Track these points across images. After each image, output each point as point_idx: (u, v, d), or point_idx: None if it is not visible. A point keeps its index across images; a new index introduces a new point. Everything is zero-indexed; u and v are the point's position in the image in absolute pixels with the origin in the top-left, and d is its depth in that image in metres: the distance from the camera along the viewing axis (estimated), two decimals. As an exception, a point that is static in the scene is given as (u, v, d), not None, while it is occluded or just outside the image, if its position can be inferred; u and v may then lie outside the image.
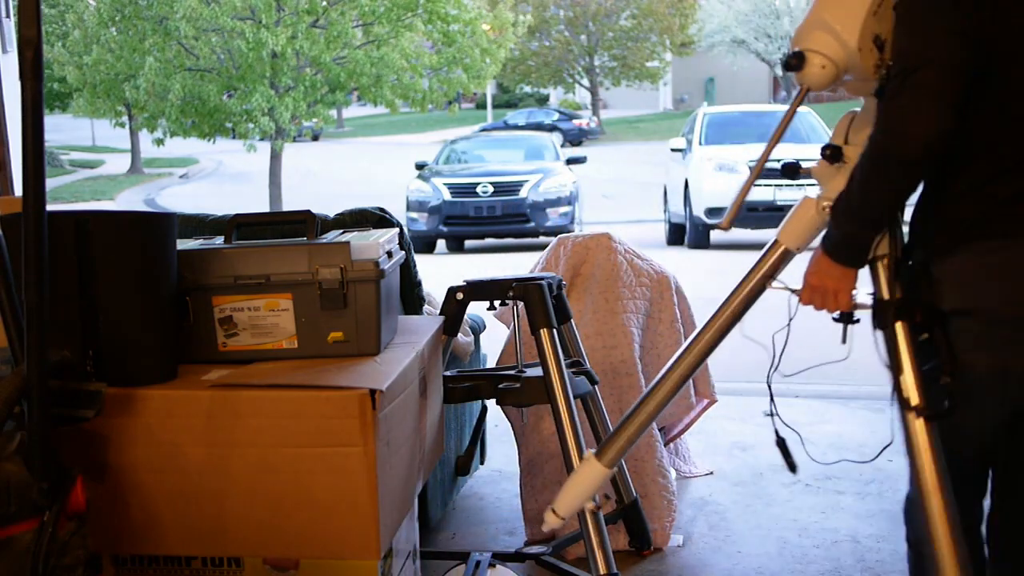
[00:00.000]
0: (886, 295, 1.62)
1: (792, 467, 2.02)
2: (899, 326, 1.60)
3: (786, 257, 1.79)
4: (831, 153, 1.67)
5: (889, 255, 1.62)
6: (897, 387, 1.62)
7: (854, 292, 1.66)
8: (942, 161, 1.51)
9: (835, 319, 1.73)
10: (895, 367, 1.63)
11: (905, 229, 1.66)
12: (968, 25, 1.47)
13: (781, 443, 2.01)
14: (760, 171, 1.77)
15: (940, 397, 1.58)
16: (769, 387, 1.91)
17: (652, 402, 1.89)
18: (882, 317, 1.62)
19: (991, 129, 1.52)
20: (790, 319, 1.80)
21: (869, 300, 1.66)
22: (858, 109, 1.67)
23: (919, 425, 1.63)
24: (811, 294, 1.72)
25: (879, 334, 1.65)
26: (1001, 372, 1.58)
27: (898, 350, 1.61)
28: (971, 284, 1.55)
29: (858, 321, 1.69)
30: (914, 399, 1.62)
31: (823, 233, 1.68)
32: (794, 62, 1.64)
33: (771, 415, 1.93)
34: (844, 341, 1.74)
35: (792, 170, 1.80)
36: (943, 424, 1.64)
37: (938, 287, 1.58)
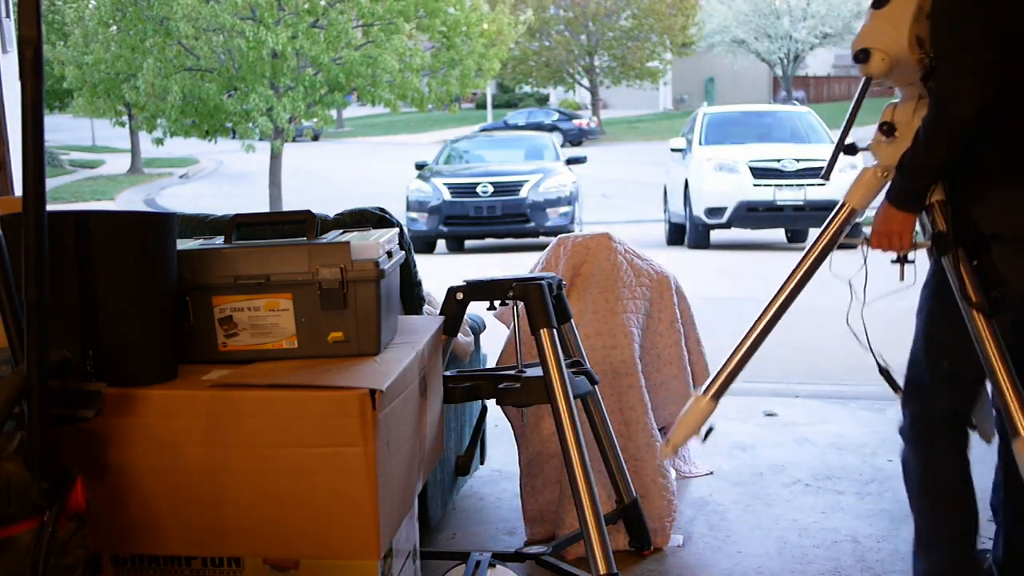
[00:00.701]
0: (944, 228, 2.02)
1: (896, 388, 2.36)
2: (959, 251, 2.01)
3: (852, 216, 2.23)
4: (887, 128, 2.14)
5: (943, 200, 2.03)
6: (963, 295, 2.00)
7: (914, 233, 2.09)
8: (984, 126, 1.94)
9: (893, 261, 2.14)
10: (959, 281, 2.01)
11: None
12: (987, 16, 1.92)
13: (885, 372, 2.38)
14: (848, 131, 2.33)
15: (1005, 303, 2.00)
16: (855, 328, 2.27)
17: (749, 340, 2.37)
18: (943, 245, 2.02)
19: (1004, 101, 1.93)
20: (864, 260, 2.21)
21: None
22: (895, 100, 2.14)
23: (980, 319, 2.00)
24: (879, 239, 2.12)
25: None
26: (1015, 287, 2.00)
27: (959, 266, 2.01)
28: (998, 215, 2.00)
29: (913, 261, 2.12)
30: (974, 299, 2.00)
31: (886, 189, 2.09)
32: (861, 57, 2.09)
33: (871, 351, 2.32)
34: (902, 279, 2.17)
35: (852, 149, 2.29)
36: (968, 330, 2.02)
37: (976, 221, 2.00)
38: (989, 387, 2.05)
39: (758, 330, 2.37)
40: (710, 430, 2.31)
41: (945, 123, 1.98)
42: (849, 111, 2.38)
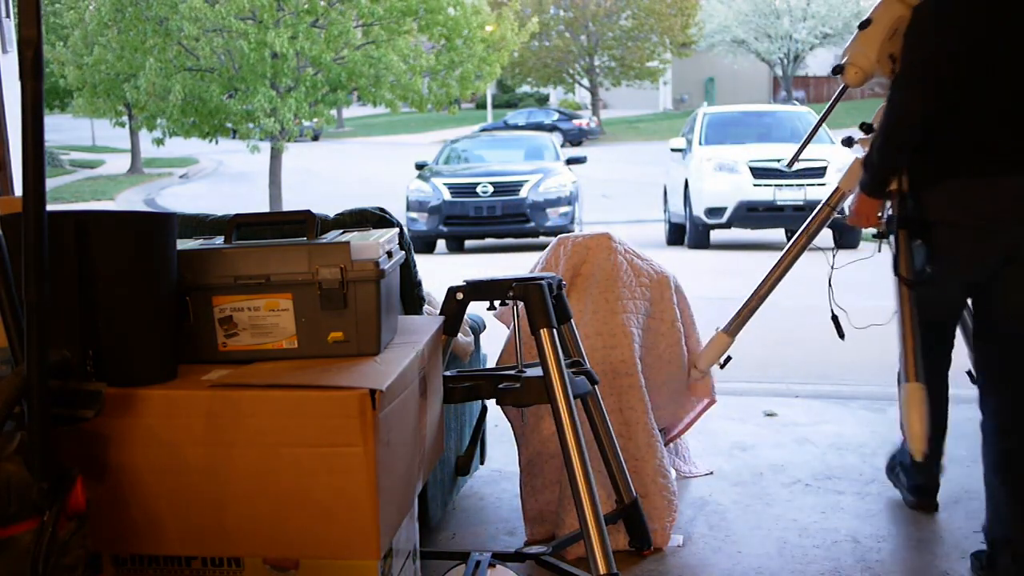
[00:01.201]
0: (895, 213, 2.52)
1: (841, 335, 2.89)
2: (902, 232, 2.51)
3: (843, 197, 2.86)
4: (866, 128, 2.70)
5: (897, 190, 2.51)
6: (896, 268, 2.52)
7: (879, 215, 2.61)
8: (927, 132, 2.42)
9: (874, 236, 2.68)
10: (895, 257, 2.53)
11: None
12: (937, 42, 2.40)
13: (835, 318, 2.87)
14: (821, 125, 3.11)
15: (925, 280, 2.48)
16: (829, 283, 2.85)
17: (764, 288, 3.00)
18: (891, 226, 2.54)
19: (945, 115, 2.39)
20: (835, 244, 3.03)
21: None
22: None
23: (905, 290, 2.52)
24: (855, 218, 2.65)
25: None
26: (960, 263, 2.46)
27: (900, 245, 2.51)
28: (944, 206, 2.43)
29: (888, 236, 2.57)
30: (904, 273, 2.51)
31: (860, 180, 2.61)
32: (838, 70, 2.67)
33: (830, 298, 2.86)
34: (879, 250, 2.69)
35: (848, 142, 2.78)
36: (931, 299, 2.55)
37: (925, 208, 2.45)
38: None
39: (773, 278, 3.00)
40: (728, 359, 3.01)
41: (894, 128, 2.46)
42: (825, 110, 3.03)
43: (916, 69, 2.44)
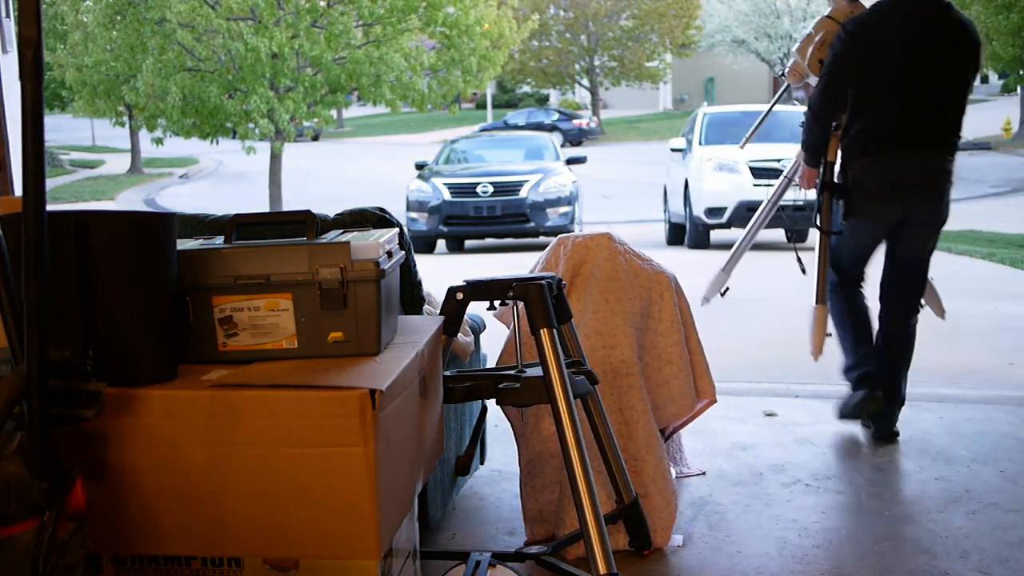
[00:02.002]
0: (820, 179, 3.49)
1: (803, 270, 3.71)
2: (825, 194, 3.49)
3: (797, 169, 3.68)
4: (835, 125, 3.50)
5: (826, 162, 3.45)
6: (816, 222, 3.53)
7: (817, 181, 3.52)
8: (849, 124, 3.39)
9: (817, 193, 3.53)
10: (818, 212, 3.52)
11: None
12: (846, 54, 3.30)
13: (798, 259, 3.76)
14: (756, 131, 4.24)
15: (837, 232, 3.51)
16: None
17: (753, 228, 4.03)
18: (820, 189, 3.49)
19: (860, 108, 3.32)
20: (778, 195, 3.95)
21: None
22: None
23: (823, 238, 3.53)
24: (803, 182, 3.59)
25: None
26: (872, 217, 3.41)
27: (822, 205, 3.51)
28: (861, 177, 3.37)
29: (823, 195, 3.48)
30: (824, 226, 3.51)
31: (803, 158, 3.57)
32: (783, 71, 3.67)
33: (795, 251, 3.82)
34: (818, 210, 3.56)
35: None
36: (856, 240, 3.51)
37: (847, 177, 3.40)
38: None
39: (759, 222, 4.02)
40: (726, 290, 3.96)
41: (811, 120, 3.43)
42: (770, 104, 4.25)
43: (828, 74, 3.35)
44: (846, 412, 3.56)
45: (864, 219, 3.41)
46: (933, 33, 3.28)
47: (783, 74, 3.71)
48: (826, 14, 3.53)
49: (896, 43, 3.27)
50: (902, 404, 3.51)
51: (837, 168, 3.46)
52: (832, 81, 3.34)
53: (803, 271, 3.67)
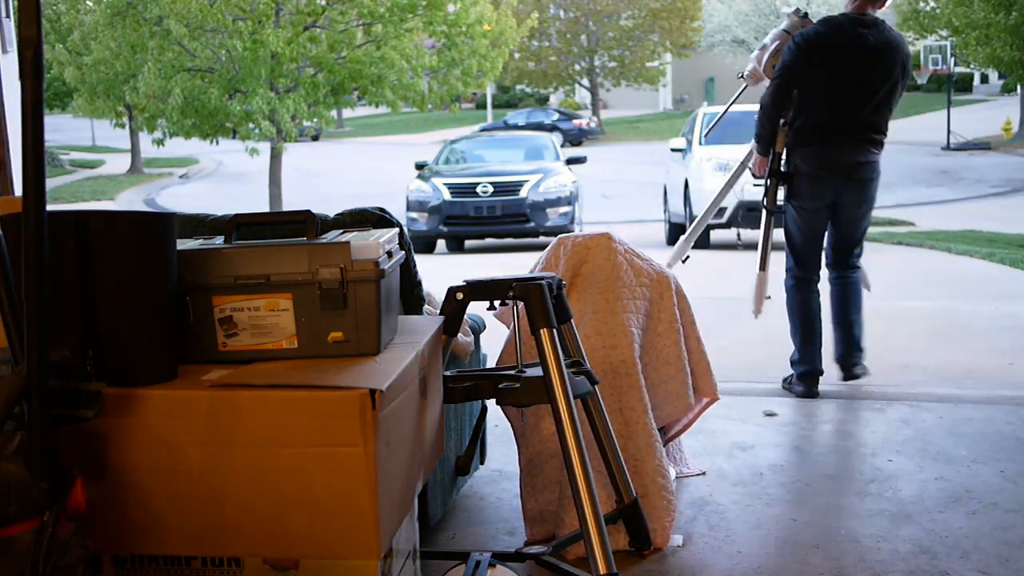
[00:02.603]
0: (769, 167, 4.14)
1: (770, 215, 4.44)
2: (772, 179, 4.16)
3: (751, 157, 4.30)
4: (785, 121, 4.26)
5: (775, 152, 4.10)
6: (763, 201, 4.22)
7: (765, 168, 4.16)
8: (793, 119, 4.11)
9: (765, 180, 4.19)
10: (765, 193, 4.20)
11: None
12: (793, 61, 4.01)
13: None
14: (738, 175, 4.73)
15: (779, 211, 4.21)
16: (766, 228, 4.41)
17: (710, 209, 4.72)
18: (768, 175, 4.15)
19: (802, 107, 4.04)
20: (736, 175, 4.60)
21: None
22: None
23: (768, 216, 4.25)
24: (756, 167, 4.21)
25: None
26: (810, 196, 4.09)
27: (768, 186, 4.18)
28: (800, 163, 4.07)
29: (771, 179, 4.17)
30: (769, 205, 4.21)
31: (756, 148, 4.22)
32: (743, 74, 4.37)
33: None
34: (765, 192, 4.24)
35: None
36: (803, 222, 4.15)
37: (791, 165, 4.10)
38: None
39: (715, 202, 4.76)
40: (687, 258, 4.59)
41: (763, 116, 4.12)
42: (730, 101, 4.85)
43: (779, 76, 4.08)
44: (785, 387, 4.33)
45: (803, 199, 4.14)
46: (866, 48, 4.02)
47: (742, 76, 4.40)
48: (783, 28, 4.28)
49: (835, 54, 4.04)
50: (861, 350, 4.24)
51: (784, 158, 4.18)
52: (782, 83, 4.06)
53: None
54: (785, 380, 4.30)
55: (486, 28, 15.93)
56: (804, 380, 4.16)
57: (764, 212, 4.27)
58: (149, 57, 14.70)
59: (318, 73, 15.14)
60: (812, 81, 4.04)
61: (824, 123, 4.06)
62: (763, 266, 4.28)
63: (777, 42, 4.24)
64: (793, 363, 4.26)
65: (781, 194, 4.20)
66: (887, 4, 4.16)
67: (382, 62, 14.80)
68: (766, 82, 4.21)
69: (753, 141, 4.22)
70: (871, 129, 4.10)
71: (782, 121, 4.11)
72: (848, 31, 4.05)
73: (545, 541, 2.50)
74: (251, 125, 15.36)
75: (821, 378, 4.18)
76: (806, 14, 4.28)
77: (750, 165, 4.32)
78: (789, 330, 4.22)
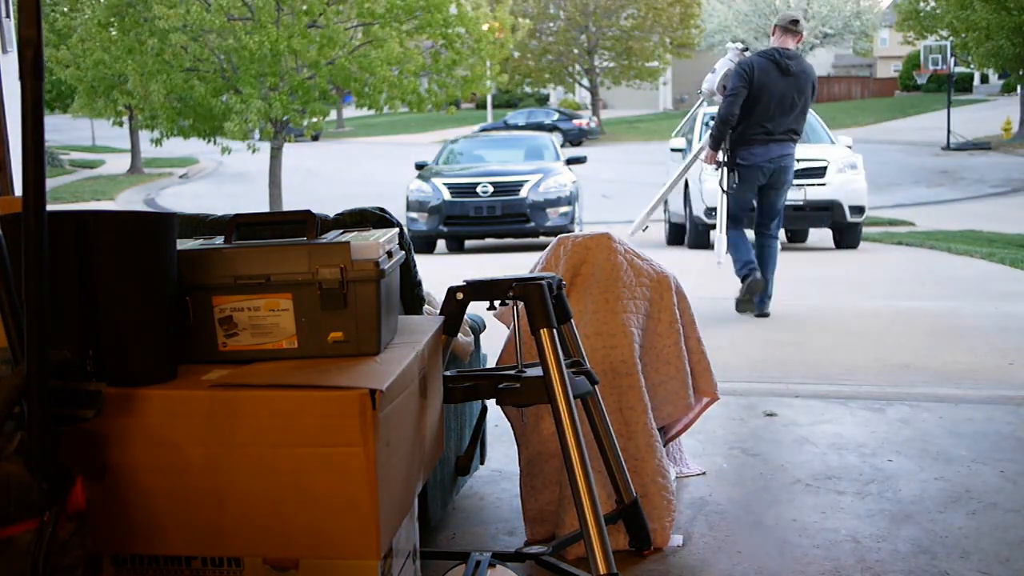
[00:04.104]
0: (721, 159, 6.06)
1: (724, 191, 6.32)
2: (723, 168, 6.10)
3: (703, 150, 6.25)
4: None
5: (728, 150, 6.08)
6: (720, 185, 6.13)
7: (717, 158, 6.06)
8: (736, 125, 6.00)
9: (715, 169, 6.20)
10: (720, 178, 6.15)
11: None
12: (745, 79, 5.94)
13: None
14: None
15: (732, 191, 6.14)
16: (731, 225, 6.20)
17: (673, 183, 6.97)
18: (719, 165, 6.09)
19: (743, 116, 5.96)
20: (691, 160, 7.12)
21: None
22: None
23: (722, 194, 6.14)
24: (708, 159, 6.09)
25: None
26: (748, 180, 6.05)
27: (724, 174, 6.10)
28: (743, 157, 6.01)
29: (719, 167, 6.13)
30: (724, 187, 6.10)
31: (708, 143, 6.15)
32: (699, 91, 6.48)
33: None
34: (720, 179, 6.18)
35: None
36: (741, 196, 6.12)
37: (735, 157, 6.03)
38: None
39: (670, 185, 6.74)
40: (646, 228, 6.15)
41: (719, 122, 5.90)
42: (690, 112, 8.95)
43: (731, 94, 5.89)
44: (740, 297, 6.01)
45: (743, 182, 6.05)
46: (788, 73, 6.00)
47: (700, 92, 6.36)
48: (728, 58, 6.12)
49: (767, 78, 5.95)
50: (770, 296, 6.16)
51: (730, 153, 6.04)
52: (731, 100, 5.93)
53: (725, 191, 6.14)
54: (739, 294, 6.03)
55: (486, 28, 15.92)
56: (749, 273, 5.98)
57: (720, 191, 6.12)
58: (143, 56, 14.69)
59: (313, 76, 15.12)
60: (751, 97, 5.92)
61: (759, 127, 5.97)
62: (722, 231, 6.06)
63: (726, 68, 6.04)
64: (738, 274, 6.08)
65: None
66: (802, 39, 6.24)
67: (378, 64, 14.79)
68: (718, 98, 6.07)
69: (707, 138, 6.09)
70: (792, 132, 6.07)
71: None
72: (776, 61, 5.99)
73: (545, 541, 2.50)
74: (248, 126, 15.33)
75: (771, 302, 6.16)
76: (746, 48, 6.23)
77: (702, 157, 6.24)
78: (731, 256, 6.12)
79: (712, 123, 6.09)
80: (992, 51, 27.01)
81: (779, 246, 6.23)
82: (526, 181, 12.48)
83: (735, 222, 6.09)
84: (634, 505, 2.44)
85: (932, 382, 4.42)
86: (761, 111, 5.90)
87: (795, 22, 6.20)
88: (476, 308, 2.40)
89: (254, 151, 16.34)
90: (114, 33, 15.43)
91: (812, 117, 12.07)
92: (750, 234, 6.17)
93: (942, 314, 6.22)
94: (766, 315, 6.04)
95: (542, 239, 12.09)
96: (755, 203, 6.17)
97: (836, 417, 3.84)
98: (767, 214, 6.15)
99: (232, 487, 1.64)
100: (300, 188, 20.68)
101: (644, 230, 6.21)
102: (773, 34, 6.19)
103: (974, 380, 4.43)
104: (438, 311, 2.35)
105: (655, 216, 14.43)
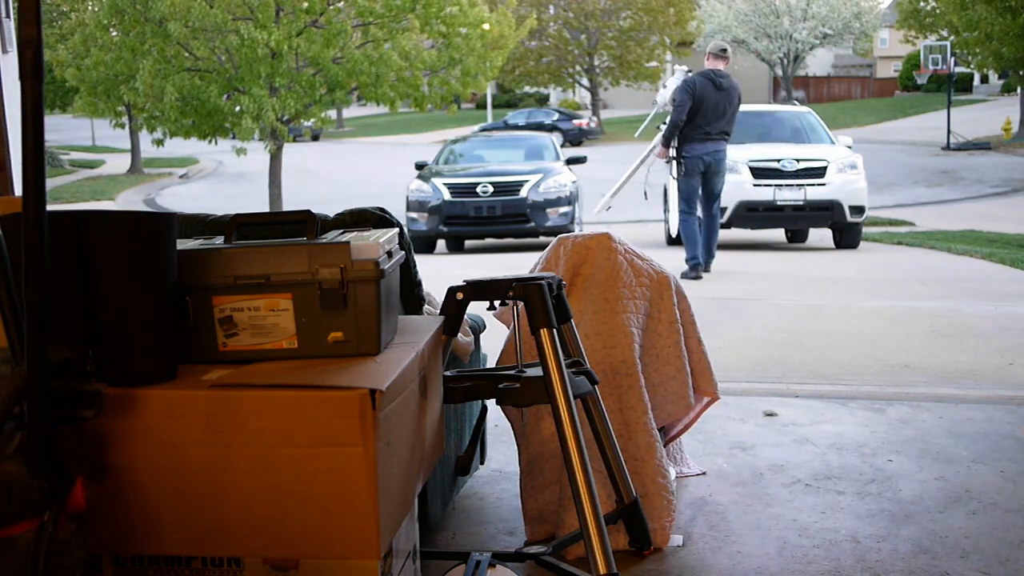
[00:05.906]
0: (672, 154, 8.51)
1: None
2: (673, 161, 8.55)
3: (655, 147, 8.84)
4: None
5: (676, 147, 8.49)
6: (672, 172, 8.69)
7: (669, 153, 8.50)
8: (684, 127, 8.33)
9: (666, 162, 8.76)
10: (671, 169, 8.64)
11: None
12: (690, 93, 8.24)
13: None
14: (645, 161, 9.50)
15: (682, 179, 8.52)
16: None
17: (636, 167, 9.61)
18: (670, 159, 8.56)
19: (688, 121, 8.26)
20: (645, 157, 9.32)
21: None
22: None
23: (674, 181, 8.71)
24: (660, 154, 8.59)
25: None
26: (692, 171, 8.39)
27: (675, 165, 8.49)
28: (687, 152, 8.34)
29: (671, 161, 8.64)
30: (675, 176, 8.60)
31: (661, 141, 8.65)
32: (654, 100, 9.54)
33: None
34: (671, 170, 8.79)
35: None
36: (688, 184, 8.45)
37: (681, 152, 8.37)
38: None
39: (631, 171, 9.56)
40: (609, 207, 9.65)
41: (673, 124, 8.25)
42: (645, 123, 10.79)
43: (680, 105, 8.14)
44: (681, 276, 7.04)
45: (689, 172, 8.20)
46: (721, 88, 8.16)
47: (655, 103, 8.59)
48: (678, 77, 8.34)
49: (705, 92, 8.11)
50: (712, 257, 8.45)
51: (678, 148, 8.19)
52: (680, 108, 8.09)
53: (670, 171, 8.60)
54: (682, 274, 7.57)
55: (485, 28, 15.92)
56: (693, 268, 8.12)
57: (672, 179, 8.57)
58: (149, 57, 14.70)
59: (317, 73, 15.13)
60: (694, 106, 8.10)
61: (699, 129, 8.16)
62: (672, 209, 8.63)
63: (676, 84, 8.25)
64: (687, 260, 8.16)
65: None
66: (729, 63, 8.45)
67: (380, 61, 14.79)
68: (669, 107, 8.28)
69: (660, 137, 8.45)
70: (724, 133, 8.26)
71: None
72: (712, 79, 8.20)
73: (545, 541, 2.50)
74: (250, 125, 15.34)
75: (714, 262, 8.50)
76: (690, 69, 8.43)
77: (656, 153, 8.57)
78: (685, 247, 8.29)
79: (663, 126, 8.41)
80: (992, 52, 27.02)
81: (719, 223, 8.75)
82: (526, 181, 12.48)
83: (688, 204, 8.31)
84: (634, 505, 2.44)
85: (932, 382, 4.42)
86: (701, 117, 8.13)
87: (724, 51, 8.50)
88: (476, 308, 2.40)
89: (271, 151, 16.31)
90: (115, 34, 15.43)
91: (812, 117, 12.16)
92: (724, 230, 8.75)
93: (942, 314, 6.22)
94: (707, 271, 8.34)
95: (542, 239, 12.09)
96: (700, 190, 8.33)
97: (836, 417, 3.84)
98: (710, 197, 8.41)
99: (232, 487, 1.64)
100: (300, 188, 20.68)
101: (608, 209, 9.42)
102: (708, 60, 8.39)
103: (974, 380, 4.43)
104: (438, 311, 2.36)
105: (655, 216, 14.50)
